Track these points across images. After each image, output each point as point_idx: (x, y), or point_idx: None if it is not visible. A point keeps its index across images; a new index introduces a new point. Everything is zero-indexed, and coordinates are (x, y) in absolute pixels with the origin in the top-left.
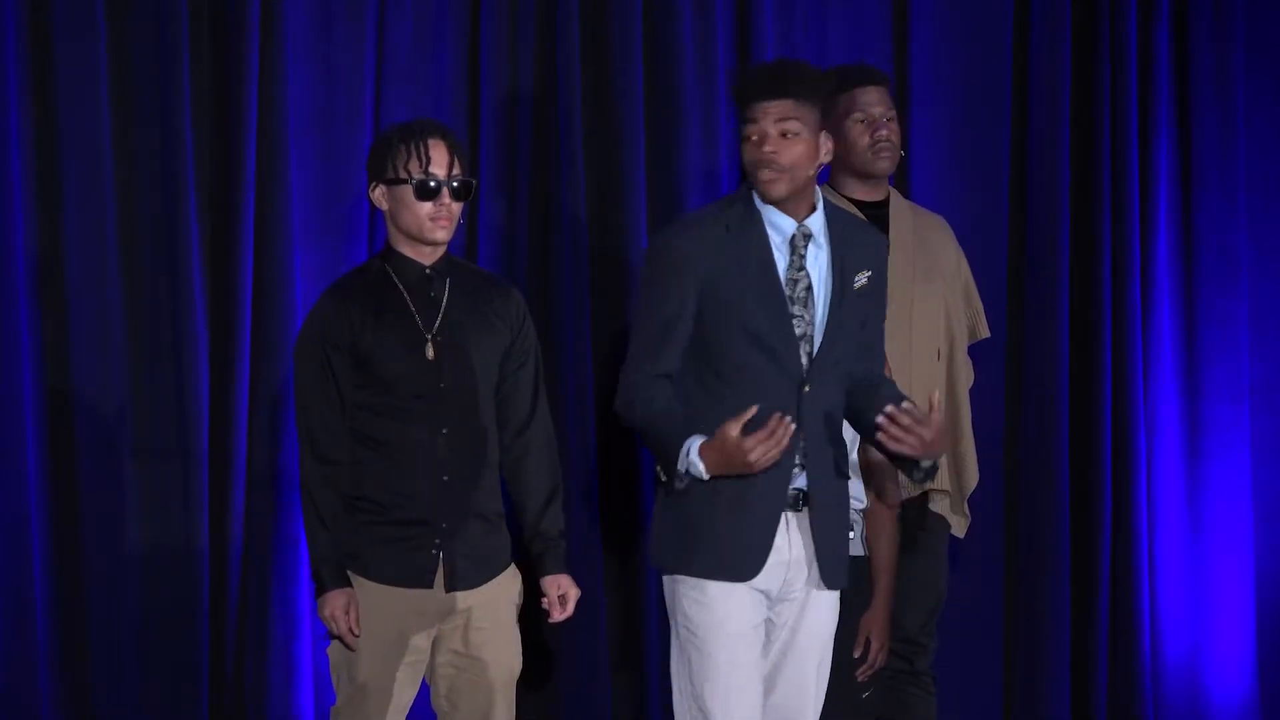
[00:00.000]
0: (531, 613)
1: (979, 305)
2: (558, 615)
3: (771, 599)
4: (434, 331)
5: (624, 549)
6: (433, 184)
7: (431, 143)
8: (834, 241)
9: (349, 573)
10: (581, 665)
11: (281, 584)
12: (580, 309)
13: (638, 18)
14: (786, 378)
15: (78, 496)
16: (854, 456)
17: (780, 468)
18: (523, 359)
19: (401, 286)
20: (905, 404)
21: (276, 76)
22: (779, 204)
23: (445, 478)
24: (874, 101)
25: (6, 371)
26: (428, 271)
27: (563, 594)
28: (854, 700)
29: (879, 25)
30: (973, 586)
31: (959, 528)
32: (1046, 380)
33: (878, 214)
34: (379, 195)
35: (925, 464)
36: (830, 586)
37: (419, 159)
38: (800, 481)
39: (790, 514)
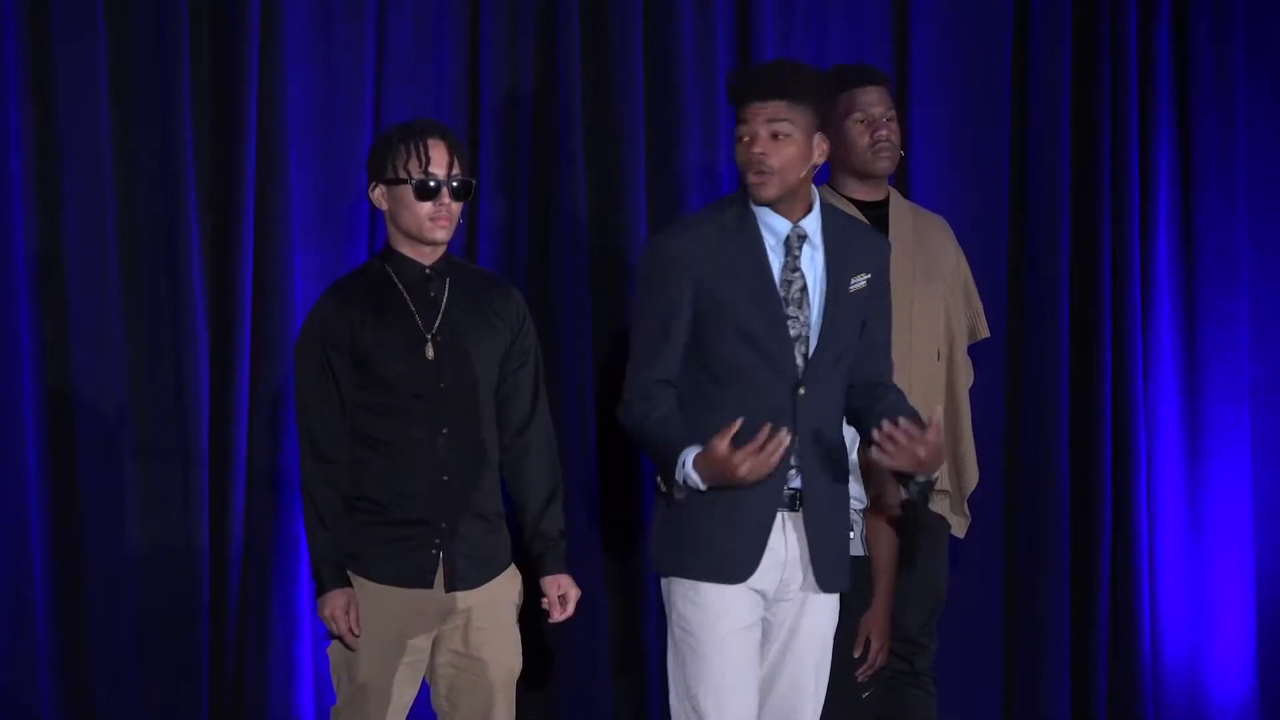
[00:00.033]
0: (531, 613)
1: (979, 305)
2: (558, 615)
3: (768, 599)
4: (434, 331)
5: (624, 549)
6: (432, 184)
7: (431, 143)
8: (830, 243)
9: (349, 573)
10: (581, 665)
11: (281, 584)
12: (580, 309)
13: (638, 17)
14: (781, 379)
15: (78, 496)
16: (854, 457)
17: (775, 470)
18: (523, 359)
19: (401, 286)
20: (903, 421)
21: (276, 76)
22: (771, 205)
23: (445, 477)
24: (874, 101)
25: (6, 371)
26: (428, 271)
27: (563, 594)
28: (854, 700)
29: (879, 25)
30: (973, 586)
31: (959, 528)
32: (1046, 380)
33: (878, 214)
34: (379, 195)
35: (920, 478)
36: (826, 589)
37: (419, 159)
38: (796, 482)
39: (787, 514)
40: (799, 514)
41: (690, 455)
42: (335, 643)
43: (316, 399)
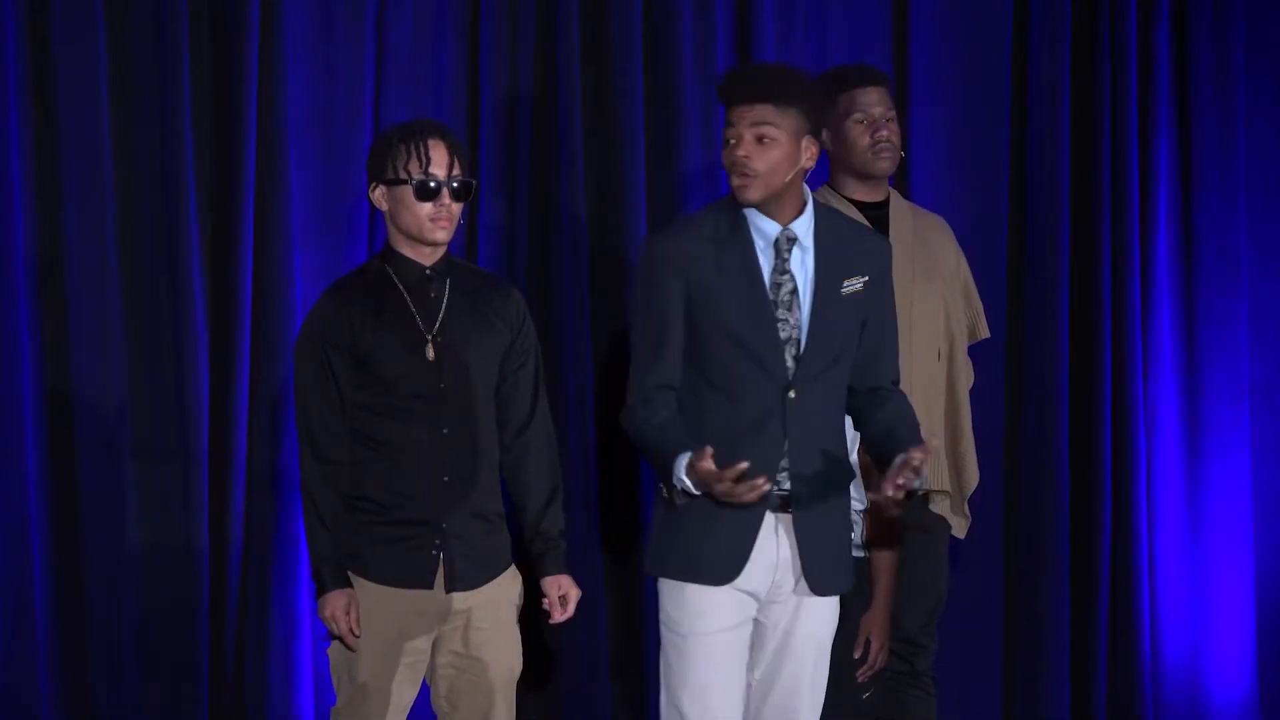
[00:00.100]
0: (532, 613)
1: (979, 305)
2: (558, 616)
3: (760, 601)
4: (434, 332)
5: (624, 550)
6: (433, 184)
7: (431, 143)
8: (823, 245)
9: (349, 573)
10: (581, 666)
11: (281, 584)
12: (580, 309)
13: (638, 18)
14: (771, 382)
15: (78, 496)
16: (854, 457)
17: (763, 471)
18: (523, 359)
19: (401, 287)
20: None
21: (276, 76)
22: (759, 207)
23: (445, 478)
24: (874, 102)
25: (6, 371)
26: (428, 272)
27: (563, 595)
28: (854, 701)
29: (879, 25)
30: (973, 587)
31: (959, 528)
32: (1046, 380)
33: (878, 214)
34: (379, 196)
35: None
36: (819, 592)
37: (419, 159)
38: (787, 485)
39: (779, 516)
40: (790, 516)
41: (684, 461)
42: (335, 643)
43: (316, 399)
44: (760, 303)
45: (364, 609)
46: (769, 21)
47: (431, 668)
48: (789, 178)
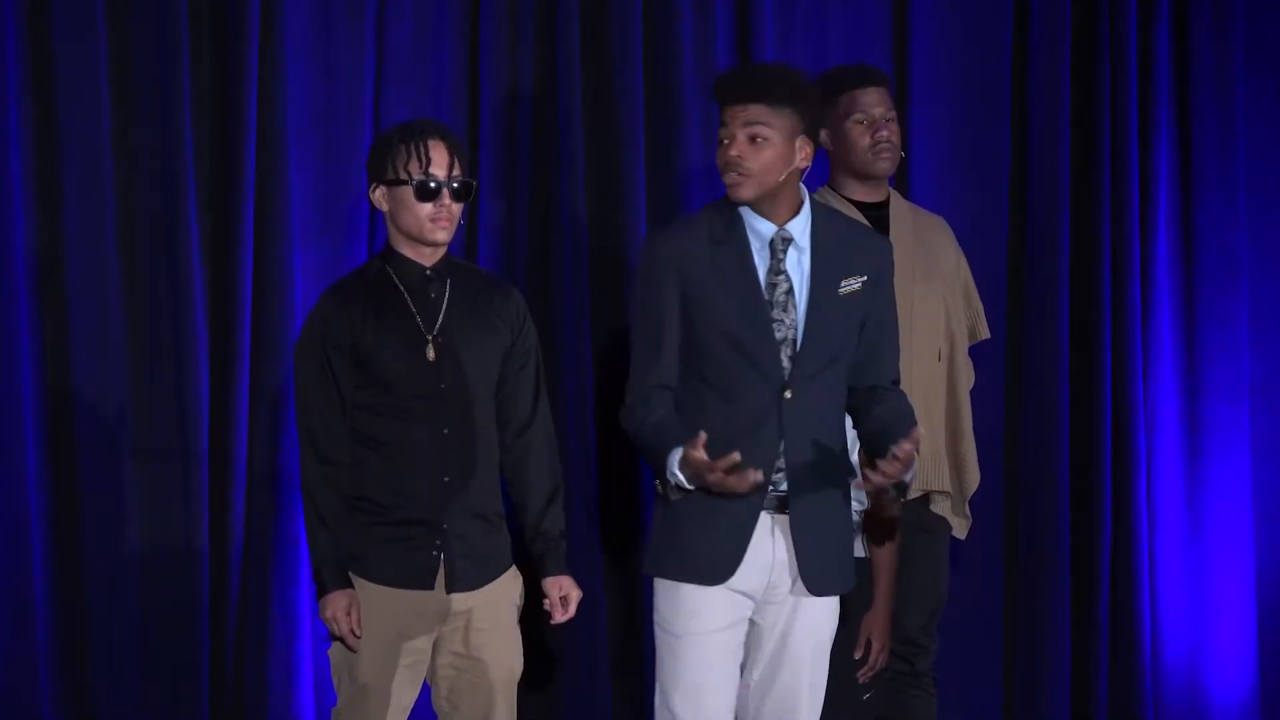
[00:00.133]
0: (532, 614)
1: (979, 306)
2: (559, 617)
3: (756, 601)
4: (435, 332)
5: (624, 550)
6: (433, 185)
7: (431, 143)
8: (820, 245)
9: (350, 574)
10: (581, 666)
11: (282, 584)
12: (580, 309)
13: (638, 18)
14: (767, 382)
15: (78, 496)
16: (855, 457)
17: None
18: (523, 359)
19: (402, 287)
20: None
21: (276, 76)
22: (754, 208)
23: (446, 478)
24: (874, 102)
25: (6, 371)
26: (428, 272)
27: (564, 595)
28: (855, 701)
29: (879, 25)
30: (973, 587)
31: (960, 529)
32: (1046, 380)
33: (878, 215)
34: (379, 196)
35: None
36: (816, 593)
37: (419, 160)
38: (783, 486)
39: (775, 517)
40: (786, 517)
41: (677, 455)
42: (336, 644)
43: (317, 400)
44: (755, 303)
45: (364, 609)
46: (769, 21)
47: (432, 668)
48: (783, 177)
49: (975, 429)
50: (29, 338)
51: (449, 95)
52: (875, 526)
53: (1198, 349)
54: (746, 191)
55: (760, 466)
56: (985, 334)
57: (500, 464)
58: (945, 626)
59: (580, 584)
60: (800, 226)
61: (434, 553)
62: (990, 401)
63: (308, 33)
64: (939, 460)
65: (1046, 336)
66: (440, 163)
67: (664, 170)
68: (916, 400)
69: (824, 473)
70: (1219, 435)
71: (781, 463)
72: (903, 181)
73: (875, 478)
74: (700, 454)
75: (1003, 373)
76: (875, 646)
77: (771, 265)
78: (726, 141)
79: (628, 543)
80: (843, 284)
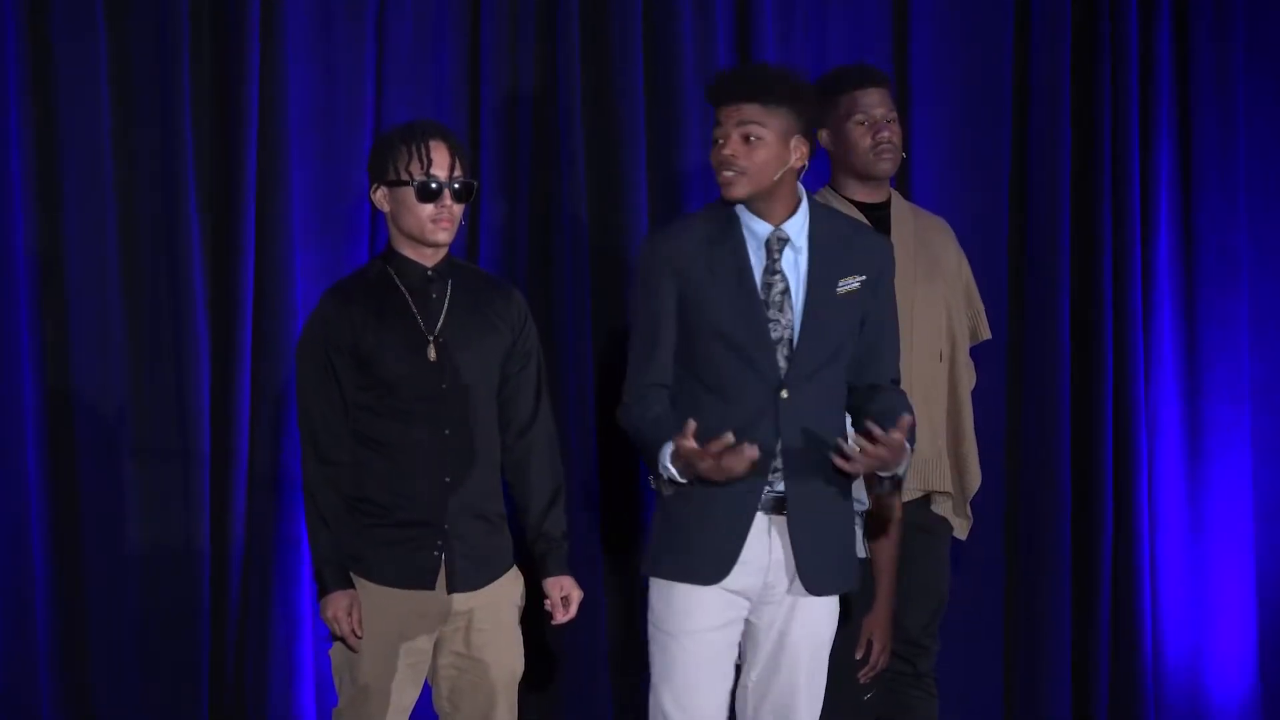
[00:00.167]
0: (533, 614)
1: (980, 307)
2: (561, 617)
3: (752, 601)
4: (436, 333)
5: (625, 550)
6: (434, 185)
7: (433, 144)
8: (817, 245)
9: (351, 574)
10: (582, 666)
11: (283, 585)
12: (581, 309)
13: (638, 18)
14: (763, 382)
15: (78, 496)
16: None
17: (754, 472)
18: (525, 360)
19: (403, 288)
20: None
21: (277, 76)
22: (750, 208)
23: (447, 479)
24: (875, 103)
25: (6, 371)
26: (429, 273)
27: (565, 596)
28: (856, 702)
29: (879, 25)
30: (974, 587)
31: (961, 530)
32: (1047, 381)
33: (879, 216)
34: (380, 197)
35: (885, 474)
36: (815, 593)
37: (420, 160)
38: (780, 486)
39: (772, 517)
40: (783, 518)
41: (669, 449)
42: (337, 644)
43: (318, 401)
44: (751, 303)
45: (365, 610)
46: (769, 22)
47: (433, 669)
48: (777, 176)
49: (976, 429)
50: (29, 338)
51: (449, 95)
52: (876, 528)
53: (1198, 349)
54: (739, 190)
55: (757, 467)
56: (986, 335)
57: (502, 464)
58: (946, 627)
59: (581, 584)
60: (797, 226)
61: (435, 553)
62: (991, 402)
63: (308, 32)
64: (940, 461)
65: (1047, 337)
66: (441, 163)
67: (664, 170)
68: (917, 401)
69: (824, 472)
70: (1219, 435)
71: (778, 463)
72: (903, 181)
73: (854, 463)
74: (690, 443)
75: (1003, 373)
76: (876, 647)
77: (767, 265)
78: (721, 141)
79: (628, 543)
80: (841, 283)
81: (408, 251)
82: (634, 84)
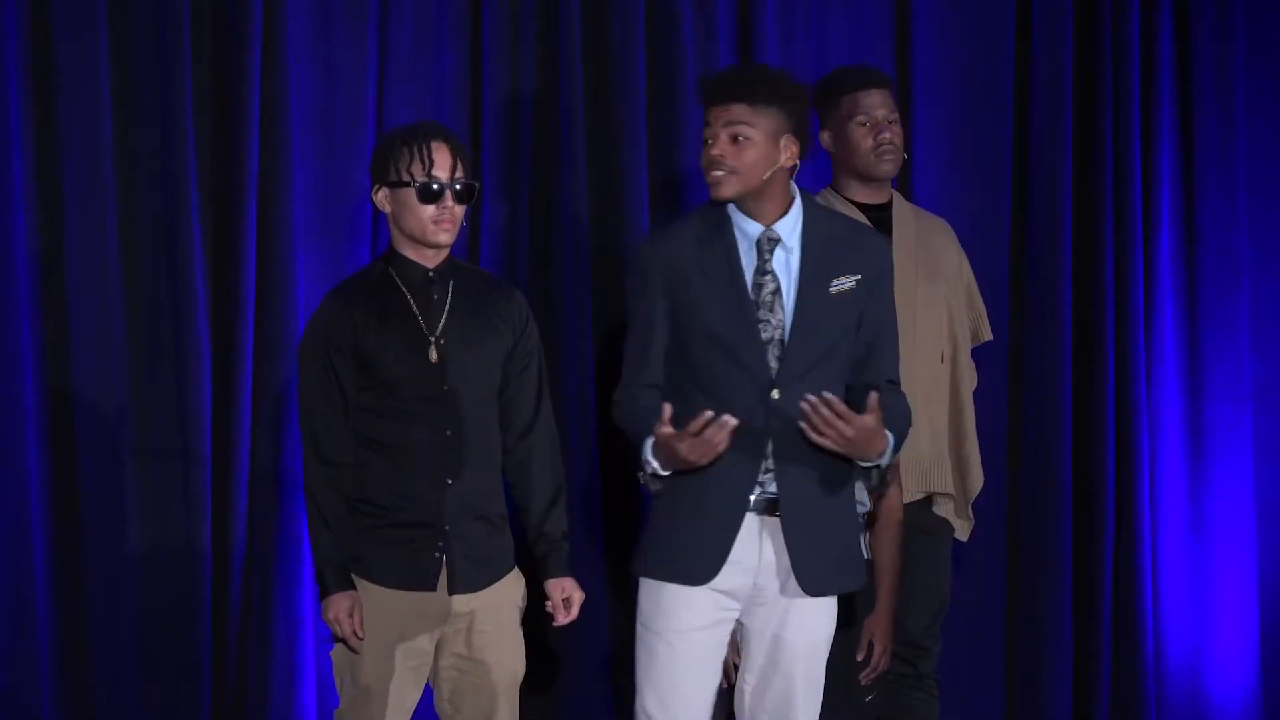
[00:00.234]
0: (534, 615)
1: (981, 308)
2: (562, 618)
3: (742, 602)
4: (437, 334)
5: (625, 551)
6: (435, 187)
7: (434, 145)
8: (810, 245)
9: (352, 575)
10: (583, 667)
11: (284, 585)
12: (581, 310)
13: (639, 19)
14: (754, 382)
15: (78, 496)
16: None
17: (744, 472)
18: (526, 361)
19: (404, 289)
20: (828, 394)
21: (277, 76)
22: (741, 208)
23: (448, 480)
24: (877, 104)
25: (6, 371)
26: (430, 274)
27: (567, 597)
28: (857, 703)
29: (879, 25)
30: (975, 588)
31: (962, 531)
32: (1048, 382)
33: (880, 217)
34: (382, 198)
35: (867, 464)
36: (812, 593)
37: (422, 162)
38: (772, 487)
39: (764, 519)
40: (776, 519)
41: (649, 442)
42: (339, 645)
43: (320, 401)
44: (741, 303)
45: (367, 611)
46: (770, 22)
47: (434, 670)
48: (767, 176)
49: (978, 430)
50: (29, 338)
51: (450, 96)
52: (877, 528)
53: (1199, 350)
54: (727, 189)
55: (748, 467)
56: (988, 336)
57: (503, 465)
58: (948, 628)
59: (582, 585)
60: (789, 226)
61: (436, 554)
62: (993, 403)
63: (309, 33)
64: (942, 462)
65: (1048, 338)
66: (443, 164)
67: (665, 171)
68: (919, 402)
69: (818, 472)
70: (1221, 436)
71: (770, 463)
72: (904, 182)
73: (816, 426)
74: (668, 429)
75: (1005, 374)
76: (877, 648)
77: (758, 265)
78: (709, 141)
79: (629, 543)
80: (835, 283)
81: (409, 253)
82: (635, 85)
